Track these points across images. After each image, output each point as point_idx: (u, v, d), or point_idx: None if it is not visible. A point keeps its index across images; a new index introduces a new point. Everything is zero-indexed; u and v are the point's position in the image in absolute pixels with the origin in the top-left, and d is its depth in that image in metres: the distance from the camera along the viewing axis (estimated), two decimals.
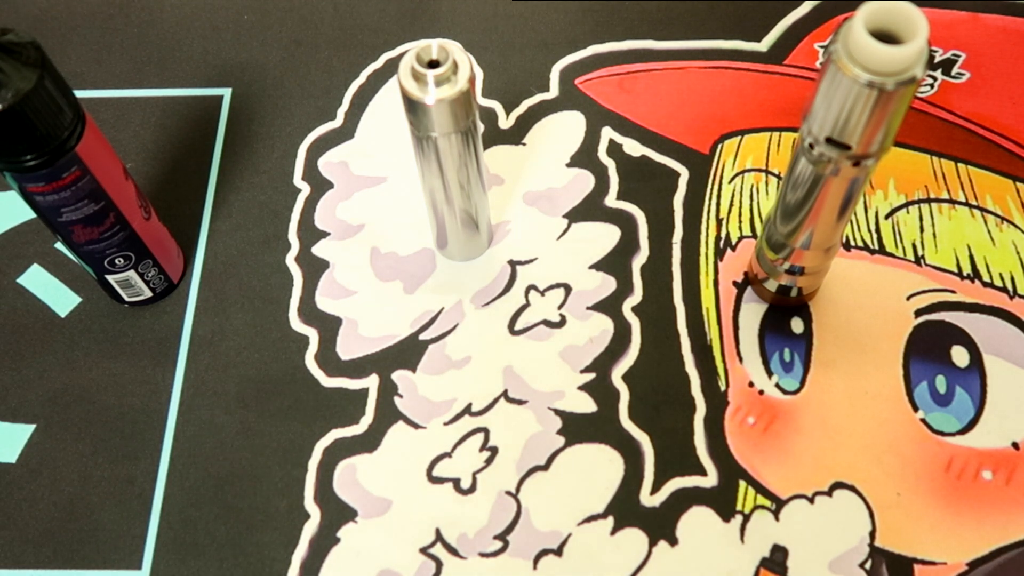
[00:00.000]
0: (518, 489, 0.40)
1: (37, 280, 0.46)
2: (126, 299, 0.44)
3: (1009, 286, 0.43)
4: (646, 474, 0.40)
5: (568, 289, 0.45)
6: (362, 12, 0.53)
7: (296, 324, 0.44)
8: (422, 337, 0.44)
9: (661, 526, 0.39)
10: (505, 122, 0.49)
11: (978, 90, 0.48)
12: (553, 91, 0.50)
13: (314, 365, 0.43)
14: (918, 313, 0.43)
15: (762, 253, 0.42)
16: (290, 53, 0.52)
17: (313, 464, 0.41)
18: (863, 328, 0.43)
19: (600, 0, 0.52)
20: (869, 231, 0.45)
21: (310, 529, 0.40)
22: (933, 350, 0.42)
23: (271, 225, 0.47)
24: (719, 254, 0.45)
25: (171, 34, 0.53)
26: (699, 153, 0.48)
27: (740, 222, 0.46)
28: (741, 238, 0.45)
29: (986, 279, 0.43)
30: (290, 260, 0.46)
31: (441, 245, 0.45)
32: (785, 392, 0.42)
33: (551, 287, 0.45)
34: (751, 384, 0.42)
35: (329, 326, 0.44)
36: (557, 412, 0.42)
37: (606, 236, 0.46)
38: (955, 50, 0.49)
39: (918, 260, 0.44)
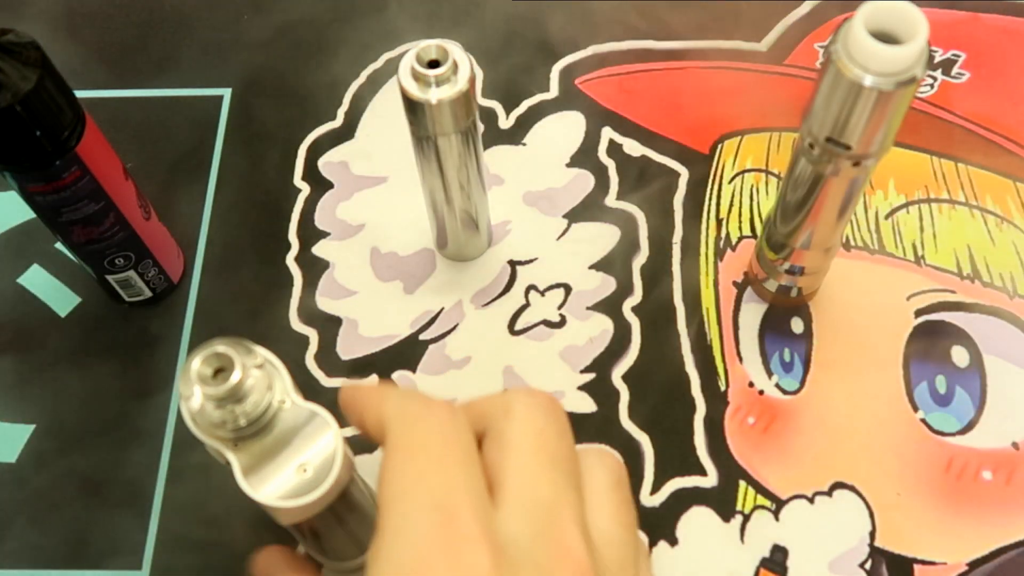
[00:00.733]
0: None
1: (37, 280, 0.46)
2: (126, 299, 0.44)
3: (1009, 286, 0.43)
4: (646, 474, 0.40)
5: (568, 289, 0.44)
6: (362, 12, 0.53)
7: (296, 324, 0.44)
8: (422, 337, 0.44)
9: (661, 526, 0.39)
10: (505, 122, 0.49)
11: (978, 90, 0.48)
12: (553, 91, 0.50)
13: (314, 365, 0.43)
14: (918, 313, 0.43)
15: (762, 253, 0.42)
16: (290, 53, 0.52)
17: None
18: (863, 328, 0.43)
19: (600, 0, 0.52)
20: (869, 231, 0.45)
21: None
22: (933, 350, 0.42)
23: (271, 225, 0.47)
24: (719, 254, 0.45)
25: (171, 34, 0.53)
26: (699, 153, 0.48)
27: (740, 222, 0.46)
28: (741, 238, 0.45)
29: (986, 279, 0.43)
30: (290, 260, 0.46)
31: (441, 245, 0.45)
32: (785, 392, 0.42)
33: (551, 287, 0.45)
34: (751, 384, 0.42)
35: (329, 326, 0.44)
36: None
37: (606, 236, 0.46)
38: (955, 50, 0.49)
39: (918, 260, 0.44)
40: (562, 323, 0.44)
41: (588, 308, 0.44)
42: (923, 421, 0.41)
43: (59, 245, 0.47)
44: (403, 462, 0.26)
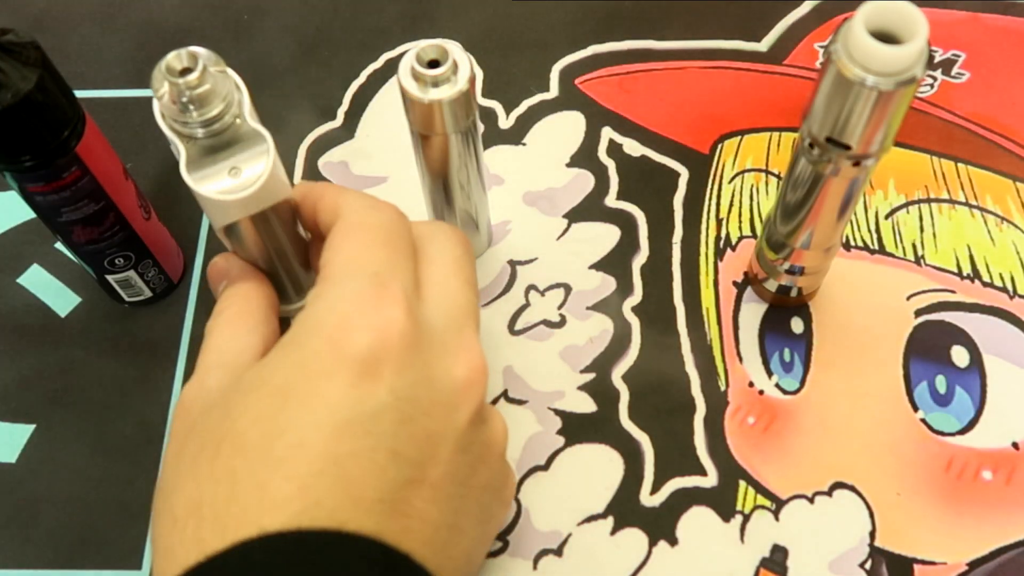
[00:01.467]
0: (518, 489, 0.40)
1: (37, 280, 0.46)
2: (126, 299, 0.44)
3: (1009, 286, 0.43)
4: (646, 474, 0.40)
5: (568, 289, 0.45)
6: (362, 12, 0.53)
7: None
8: None
9: (661, 526, 0.39)
10: (505, 122, 0.49)
11: (978, 90, 0.48)
12: (553, 91, 0.50)
13: None
14: (918, 313, 0.43)
15: (762, 253, 0.42)
16: (290, 53, 0.52)
17: None
18: (863, 328, 0.43)
19: (600, 0, 0.52)
20: (869, 231, 0.45)
21: None
22: (933, 350, 0.42)
23: None
24: (719, 254, 0.45)
25: (171, 34, 0.53)
26: (699, 153, 0.48)
27: (740, 222, 0.46)
28: (741, 238, 0.45)
29: (986, 279, 0.43)
30: None
31: None
32: (785, 392, 0.42)
33: (551, 287, 0.45)
34: (751, 384, 0.42)
35: None
36: (557, 412, 0.42)
37: (606, 236, 0.46)
38: (955, 50, 0.49)
39: (918, 260, 0.44)
40: (562, 323, 0.44)
41: (588, 308, 0.44)
42: (923, 421, 0.41)
43: (59, 245, 0.47)
44: (356, 232, 0.31)
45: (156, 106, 0.32)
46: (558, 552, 0.39)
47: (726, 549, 0.39)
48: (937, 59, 0.49)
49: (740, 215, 0.46)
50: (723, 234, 0.45)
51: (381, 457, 0.28)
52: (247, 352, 0.32)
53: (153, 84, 0.32)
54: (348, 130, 0.49)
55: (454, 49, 0.35)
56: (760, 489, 0.40)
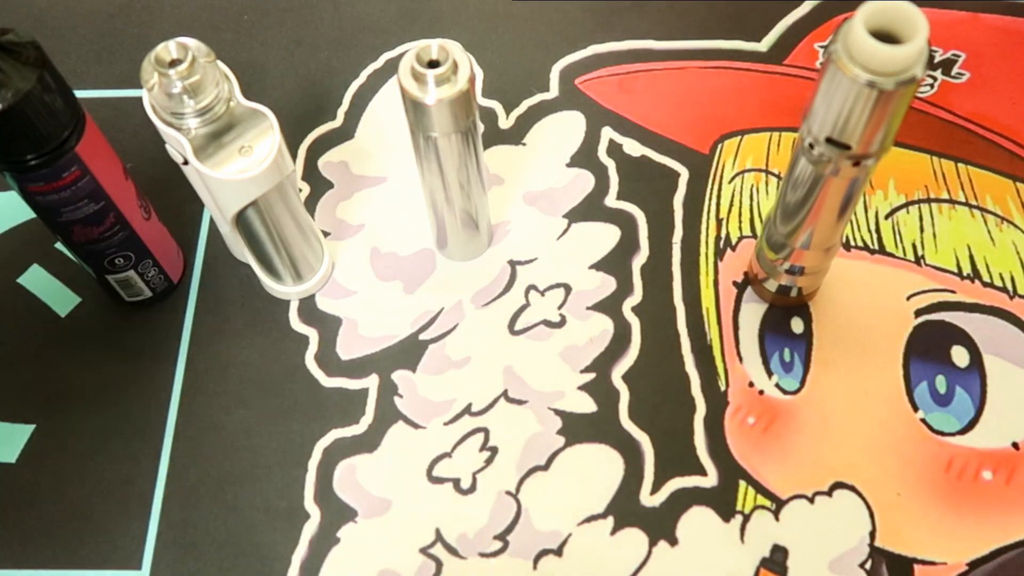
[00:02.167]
0: (518, 489, 0.40)
1: (37, 280, 0.46)
2: (126, 299, 0.44)
3: (1009, 286, 0.43)
4: (646, 474, 0.40)
5: (568, 289, 0.45)
6: (362, 12, 0.53)
7: (296, 324, 0.44)
8: (422, 337, 0.44)
9: (661, 526, 0.39)
10: (505, 122, 0.49)
11: (978, 90, 0.48)
12: (553, 91, 0.50)
13: (314, 365, 0.43)
14: (918, 313, 0.43)
15: (762, 253, 0.42)
16: (290, 53, 0.52)
17: (313, 464, 0.41)
18: (863, 328, 0.43)
19: (600, 0, 0.52)
20: (869, 231, 0.45)
21: (310, 529, 0.40)
22: (933, 350, 0.42)
23: None
24: (719, 254, 0.45)
25: (171, 34, 0.52)
26: (699, 153, 0.48)
27: (740, 222, 0.46)
28: (741, 238, 0.45)
29: (986, 279, 0.43)
30: None
31: (441, 245, 0.45)
32: (785, 392, 0.42)
33: (551, 287, 0.45)
34: (751, 384, 0.42)
35: (329, 326, 0.44)
36: (557, 412, 0.42)
37: (606, 236, 0.46)
38: (955, 50, 0.49)
39: (918, 260, 0.44)
40: (562, 323, 0.44)
41: (588, 308, 0.44)
42: (923, 421, 0.41)
43: (59, 245, 0.47)
44: None
45: (146, 98, 0.32)
46: (558, 552, 0.39)
47: (726, 549, 0.39)
48: (937, 59, 0.49)
49: (740, 215, 0.46)
50: (723, 234, 0.45)
51: None
52: None
53: (143, 76, 0.32)
54: (348, 130, 0.49)
55: (454, 49, 0.35)
56: (760, 489, 0.40)
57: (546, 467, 0.41)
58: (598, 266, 0.45)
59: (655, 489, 0.40)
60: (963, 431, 0.41)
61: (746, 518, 0.39)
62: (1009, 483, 0.40)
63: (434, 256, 0.46)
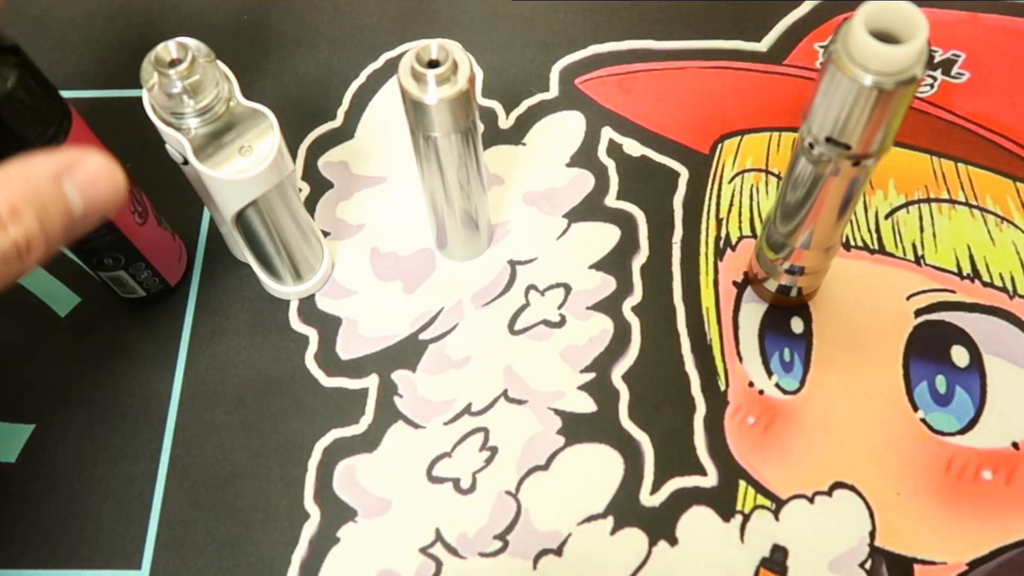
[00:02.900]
0: (518, 489, 0.40)
1: (37, 280, 0.46)
2: (121, 295, 0.44)
3: (1009, 286, 0.43)
4: (646, 474, 0.40)
5: (568, 289, 0.45)
6: (362, 12, 0.53)
7: (296, 324, 0.44)
8: (422, 337, 0.44)
9: (661, 526, 0.39)
10: (505, 122, 0.49)
11: (978, 90, 0.48)
12: (553, 91, 0.50)
13: (314, 365, 0.43)
14: (918, 313, 0.43)
15: (762, 253, 0.42)
16: (290, 53, 0.52)
17: (313, 464, 0.41)
18: (863, 328, 0.43)
19: (600, 0, 0.52)
20: (869, 231, 0.45)
21: (310, 529, 0.40)
22: (933, 350, 0.42)
23: None
24: (719, 254, 0.45)
25: (171, 34, 0.52)
26: (699, 153, 0.48)
27: (740, 222, 0.46)
28: (741, 238, 0.45)
29: (986, 279, 0.43)
30: None
31: (441, 245, 0.45)
32: (785, 392, 0.42)
33: (551, 287, 0.45)
34: (751, 384, 0.42)
35: (329, 326, 0.44)
36: (557, 412, 0.42)
37: (606, 236, 0.46)
38: (955, 50, 0.49)
39: (918, 260, 0.44)
40: (562, 323, 0.44)
41: (588, 308, 0.44)
42: (923, 421, 0.41)
43: None
44: None
45: (146, 98, 0.32)
46: (558, 552, 0.39)
47: (726, 549, 0.39)
48: (937, 59, 0.49)
49: (740, 215, 0.46)
50: (723, 234, 0.45)
51: None
52: None
53: (143, 76, 0.32)
54: (348, 130, 0.49)
55: (454, 49, 0.35)
56: (760, 489, 0.40)
57: (546, 467, 0.41)
58: (598, 266, 0.45)
59: (655, 489, 0.40)
60: (963, 431, 0.41)
61: (746, 518, 0.39)
62: (1009, 483, 0.40)
63: (434, 256, 0.46)
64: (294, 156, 0.49)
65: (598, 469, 0.41)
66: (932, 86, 0.48)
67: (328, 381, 0.43)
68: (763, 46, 0.50)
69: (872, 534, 0.39)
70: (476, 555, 0.39)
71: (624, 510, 0.40)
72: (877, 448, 0.40)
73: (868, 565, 0.38)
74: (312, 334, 0.44)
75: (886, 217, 0.45)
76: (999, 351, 0.42)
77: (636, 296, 0.44)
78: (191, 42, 0.33)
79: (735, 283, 0.44)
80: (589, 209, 0.46)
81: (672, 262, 0.45)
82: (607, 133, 0.48)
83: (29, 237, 0.27)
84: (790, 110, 0.48)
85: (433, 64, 0.35)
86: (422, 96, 0.35)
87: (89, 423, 0.43)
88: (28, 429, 0.43)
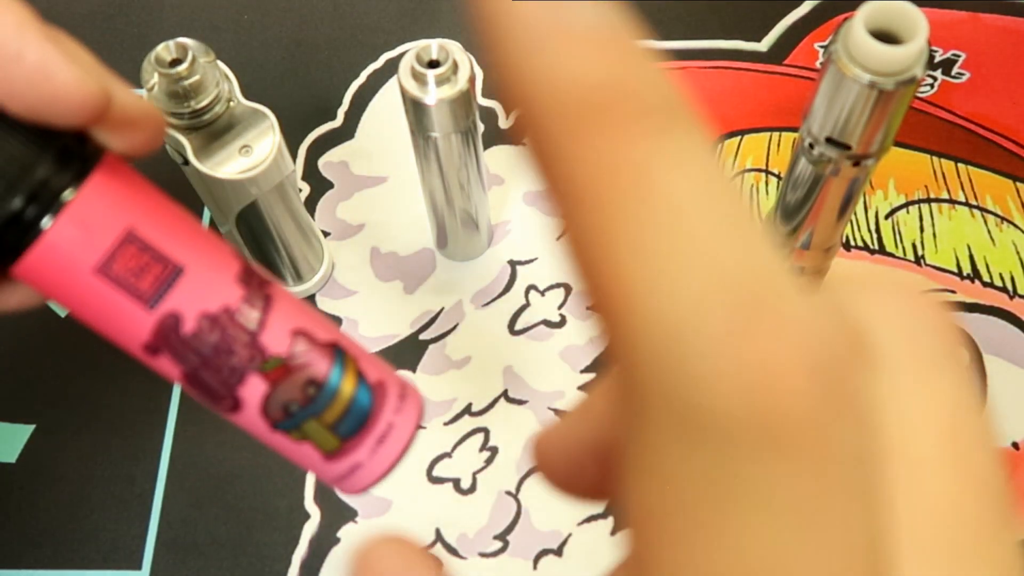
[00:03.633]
0: (518, 489, 0.40)
1: None
2: None
3: (1009, 286, 0.43)
4: None
5: (568, 289, 0.44)
6: (362, 12, 0.53)
7: None
8: (422, 337, 0.44)
9: None
10: (505, 122, 0.49)
11: (978, 90, 0.48)
12: None
13: None
14: None
15: None
16: (290, 53, 0.52)
17: None
18: None
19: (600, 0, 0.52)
20: (869, 231, 0.45)
21: (310, 529, 0.40)
22: None
23: None
24: None
25: (171, 34, 0.53)
26: None
27: None
28: None
29: (986, 279, 0.43)
30: None
31: (441, 245, 0.45)
32: None
33: (551, 287, 0.45)
34: None
35: None
36: (557, 412, 0.42)
37: None
38: (955, 50, 0.49)
39: (918, 260, 0.44)
40: (562, 323, 0.44)
41: (588, 308, 0.44)
42: None
43: None
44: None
45: (146, 98, 0.32)
46: (558, 552, 0.39)
47: None
48: (937, 59, 0.49)
49: None
50: None
51: None
52: None
53: (143, 76, 0.32)
54: (348, 130, 0.49)
55: (454, 49, 0.35)
56: None
57: None
58: None
59: None
60: None
61: None
62: (1009, 483, 0.40)
63: (434, 256, 0.46)
64: (294, 156, 0.49)
65: None
66: (932, 86, 0.48)
67: None
68: (763, 46, 0.50)
69: None
70: (476, 555, 0.39)
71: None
72: None
73: None
74: None
75: (886, 217, 0.45)
76: (999, 351, 0.42)
77: None
78: (191, 42, 0.33)
79: None
80: None
81: None
82: None
83: None
84: (790, 110, 0.48)
85: (433, 64, 0.35)
86: (422, 96, 0.35)
87: (89, 423, 0.43)
88: (28, 429, 0.43)
